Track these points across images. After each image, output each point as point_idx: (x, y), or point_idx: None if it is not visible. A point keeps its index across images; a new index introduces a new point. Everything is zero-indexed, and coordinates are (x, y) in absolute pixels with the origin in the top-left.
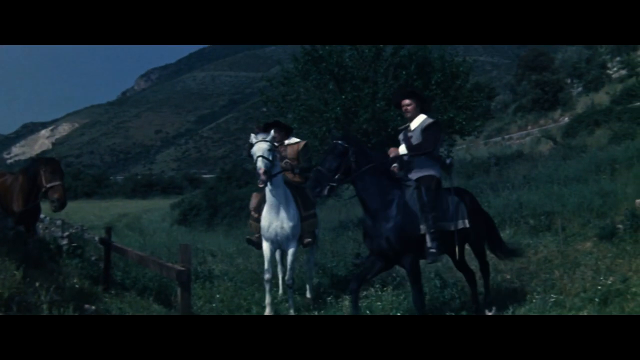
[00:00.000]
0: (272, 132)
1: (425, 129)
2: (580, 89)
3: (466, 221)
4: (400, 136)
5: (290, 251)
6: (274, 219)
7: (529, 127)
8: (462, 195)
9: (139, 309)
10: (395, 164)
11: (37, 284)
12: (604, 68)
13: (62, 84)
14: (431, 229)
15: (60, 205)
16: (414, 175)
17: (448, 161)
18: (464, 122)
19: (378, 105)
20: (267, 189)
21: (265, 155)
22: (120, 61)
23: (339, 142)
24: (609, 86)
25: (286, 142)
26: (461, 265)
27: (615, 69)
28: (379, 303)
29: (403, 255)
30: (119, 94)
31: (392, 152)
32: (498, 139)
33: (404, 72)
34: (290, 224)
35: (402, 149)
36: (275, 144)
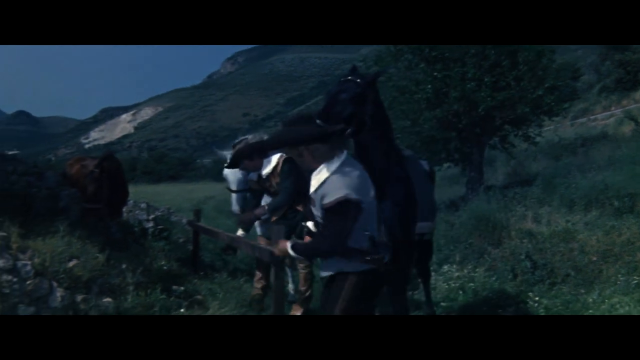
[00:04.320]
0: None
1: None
2: None
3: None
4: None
5: None
6: None
7: (613, 108)
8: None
9: (229, 290)
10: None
11: (123, 266)
12: None
13: (143, 68)
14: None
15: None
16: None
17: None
18: (552, 104)
19: (468, 85)
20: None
21: (240, 186)
22: (205, 44)
23: (358, 80)
24: None
25: (264, 171)
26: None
27: None
28: (471, 284)
29: (404, 251)
30: (205, 77)
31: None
32: (584, 119)
33: (492, 52)
34: None
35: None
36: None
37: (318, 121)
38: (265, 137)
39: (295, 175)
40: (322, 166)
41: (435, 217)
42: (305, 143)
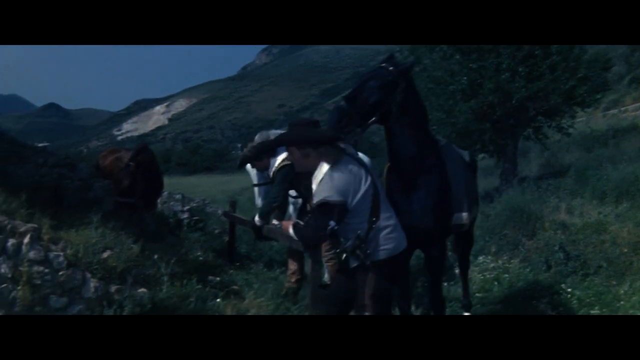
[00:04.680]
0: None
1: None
2: None
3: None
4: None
5: None
6: None
7: None
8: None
9: (265, 280)
10: None
11: (155, 257)
12: None
13: (176, 61)
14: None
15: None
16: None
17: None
18: (584, 95)
19: (502, 76)
20: None
21: (261, 181)
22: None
23: (390, 67)
24: None
25: (271, 171)
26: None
27: None
28: (506, 275)
29: (436, 240)
30: (239, 69)
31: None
32: (615, 111)
33: None
34: None
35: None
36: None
37: (343, 103)
38: (272, 135)
39: (288, 182)
40: (317, 170)
41: (474, 208)
42: (300, 144)
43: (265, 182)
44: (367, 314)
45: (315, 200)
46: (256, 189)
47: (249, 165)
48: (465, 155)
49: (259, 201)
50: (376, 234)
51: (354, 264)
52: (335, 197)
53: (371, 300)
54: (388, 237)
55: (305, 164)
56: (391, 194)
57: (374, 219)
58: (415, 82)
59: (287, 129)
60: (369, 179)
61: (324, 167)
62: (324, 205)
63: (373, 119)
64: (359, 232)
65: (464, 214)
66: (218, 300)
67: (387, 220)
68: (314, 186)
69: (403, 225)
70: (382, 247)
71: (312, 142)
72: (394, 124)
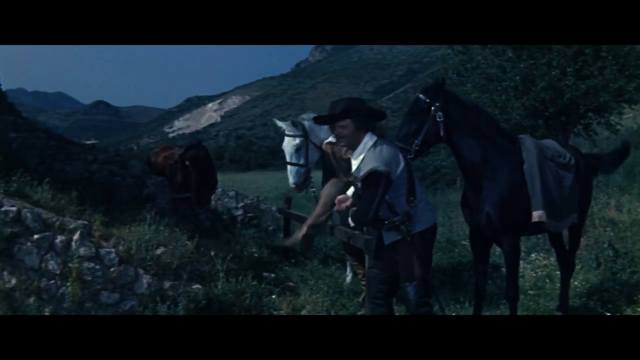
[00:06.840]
0: (307, 116)
1: (364, 180)
2: None
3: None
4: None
5: None
6: None
7: None
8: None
9: (321, 277)
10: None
11: (212, 253)
12: None
13: (229, 59)
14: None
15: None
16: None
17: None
18: (632, 92)
19: (553, 73)
20: None
21: (294, 159)
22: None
23: (421, 95)
24: None
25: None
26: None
27: None
28: (557, 272)
29: (503, 236)
30: (293, 66)
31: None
32: None
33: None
34: None
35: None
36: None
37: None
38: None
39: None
40: (361, 146)
41: (561, 209)
42: (360, 117)
43: (298, 162)
44: (415, 283)
45: (363, 172)
46: (289, 167)
47: (285, 143)
48: (565, 155)
49: (290, 181)
50: (415, 209)
51: (391, 239)
52: (382, 167)
53: (419, 269)
54: (424, 210)
55: (357, 139)
56: (465, 192)
57: (412, 197)
58: (468, 80)
59: (332, 107)
60: (403, 158)
61: (368, 143)
62: (373, 174)
63: (417, 142)
64: (406, 209)
65: (537, 212)
66: (273, 296)
67: (421, 195)
68: (355, 162)
69: (475, 222)
70: (420, 220)
71: (376, 115)
72: (449, 138)
